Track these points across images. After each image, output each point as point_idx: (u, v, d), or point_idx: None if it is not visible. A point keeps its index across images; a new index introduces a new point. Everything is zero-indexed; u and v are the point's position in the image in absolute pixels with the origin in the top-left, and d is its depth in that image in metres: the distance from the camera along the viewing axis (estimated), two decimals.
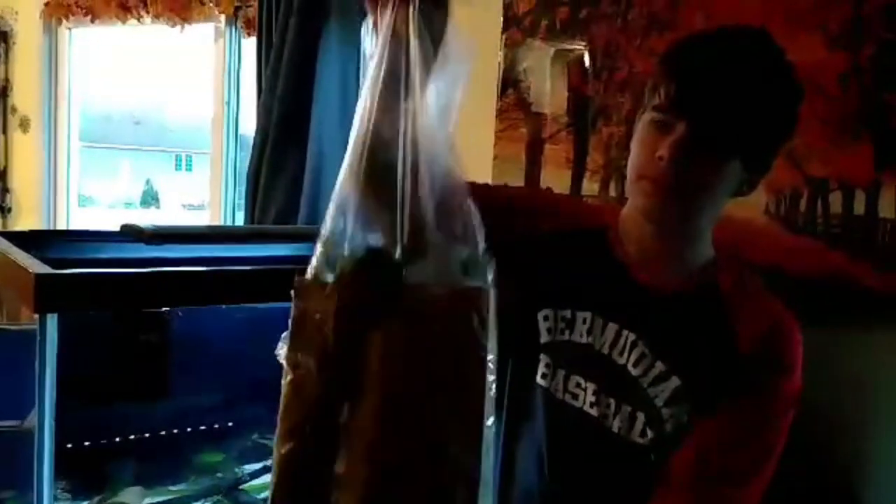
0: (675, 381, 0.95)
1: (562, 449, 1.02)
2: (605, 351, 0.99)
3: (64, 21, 3.38)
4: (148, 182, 5.83)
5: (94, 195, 4.48)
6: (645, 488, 0.94)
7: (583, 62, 1.81)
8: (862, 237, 1.48)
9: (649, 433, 0.96)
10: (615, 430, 0.98)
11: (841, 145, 1.50)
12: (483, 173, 2.04)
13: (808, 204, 1.57)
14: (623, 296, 1.00)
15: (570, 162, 1.85)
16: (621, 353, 0.98)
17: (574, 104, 1.83)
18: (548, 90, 1.95)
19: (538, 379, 1.02)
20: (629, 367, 0.97)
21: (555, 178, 1.94)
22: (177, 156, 6.26)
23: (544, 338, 1.01)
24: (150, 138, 5.85)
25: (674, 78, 0.91)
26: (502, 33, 2.02)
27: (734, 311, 0.98)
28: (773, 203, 1.61)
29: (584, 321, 1.00)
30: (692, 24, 1.60)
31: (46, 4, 3.38)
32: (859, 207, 1.49)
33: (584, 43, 1.81)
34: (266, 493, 1.64)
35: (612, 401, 0.98)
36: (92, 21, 3.25)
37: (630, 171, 0.97)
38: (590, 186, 1.73)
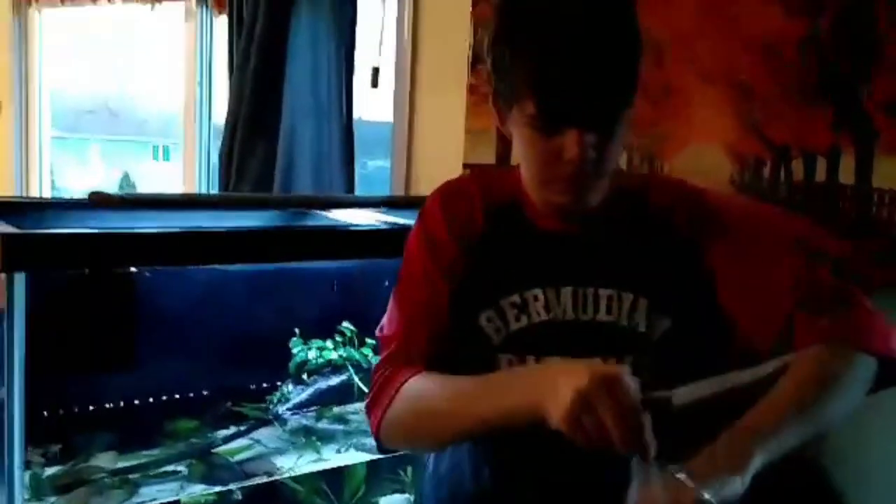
0: (644, 302, 0.97)
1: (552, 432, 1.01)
2: (570, 317, 0.99)
3: (33, 2, 3.34)
4: (125, 173, 5.78)
5: (68, 186, 4.43)
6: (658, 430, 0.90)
7: None
8: (823, 204, 1.51)
9: (644, 373, 0.92)
10: None
11: (801, 110, 1.53)
12: (455, 149, 2.06)
13: (772, 172, 1.59)
14: (561, 257, 1.01)
15: None
16: (585, 310, 0.98)
17: None
18: None
19: None
20: (600, 317, 0.98)
21: None
22: (154, 145, 6.18)
23: (495, 339, 0.99)
24: (127, 128, 5.79)
25: (546, 98, 0.89)
26: (472, 8, 2.03)
27: (650, 209, 1.02)
28: (738, 172, 1.64)
29: (537, 298, 0.99)
30: None
31: None
32: (821, 175, 1.52)
33: None
34: (239, 457, 1.65)
35: (596, 361, 0.95)
36: (62, 2, 3.21)
37: (533, 175, 0.98)
38: None
